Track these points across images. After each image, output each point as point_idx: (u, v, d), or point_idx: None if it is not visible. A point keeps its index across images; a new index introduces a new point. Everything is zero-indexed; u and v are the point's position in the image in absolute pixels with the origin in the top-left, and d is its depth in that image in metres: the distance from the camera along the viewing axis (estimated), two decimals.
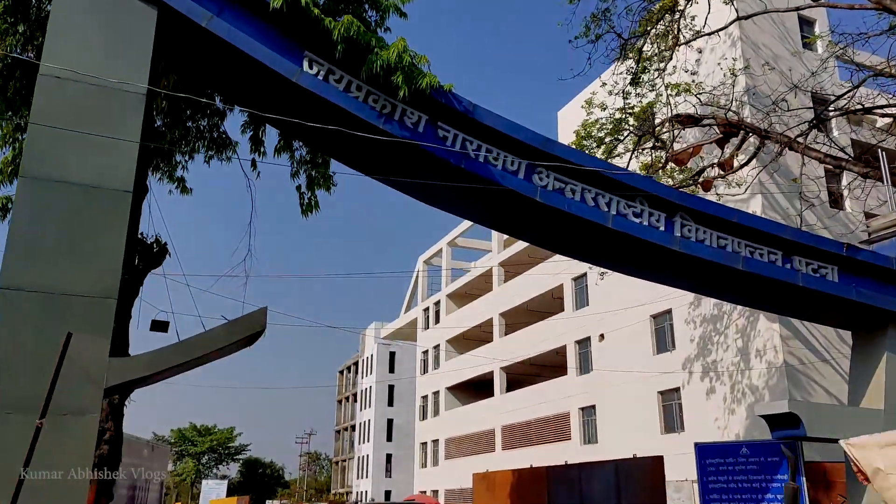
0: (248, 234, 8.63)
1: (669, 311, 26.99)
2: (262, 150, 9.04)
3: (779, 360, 21.43)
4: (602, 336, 30.59)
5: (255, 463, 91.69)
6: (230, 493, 66.55)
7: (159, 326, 8.03)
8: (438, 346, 47.32)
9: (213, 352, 6.81)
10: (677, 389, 26.01)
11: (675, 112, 18.25)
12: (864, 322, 10.79)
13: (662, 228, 9.46)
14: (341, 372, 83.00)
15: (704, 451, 11.42)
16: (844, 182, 22.30)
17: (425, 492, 44.74)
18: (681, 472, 21.25)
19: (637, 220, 9.33)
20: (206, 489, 62.30)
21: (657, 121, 18.90)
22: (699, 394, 24.51)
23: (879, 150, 12.98)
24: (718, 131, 17.72)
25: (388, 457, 67.68)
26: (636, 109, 18.63)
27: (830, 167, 15.64)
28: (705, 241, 9.68)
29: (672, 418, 26.14)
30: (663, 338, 27.37)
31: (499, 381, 39.27)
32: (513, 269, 40.12)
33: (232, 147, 10.46)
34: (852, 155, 18.90)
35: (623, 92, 17.97)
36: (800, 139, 16.09)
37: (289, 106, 7.97)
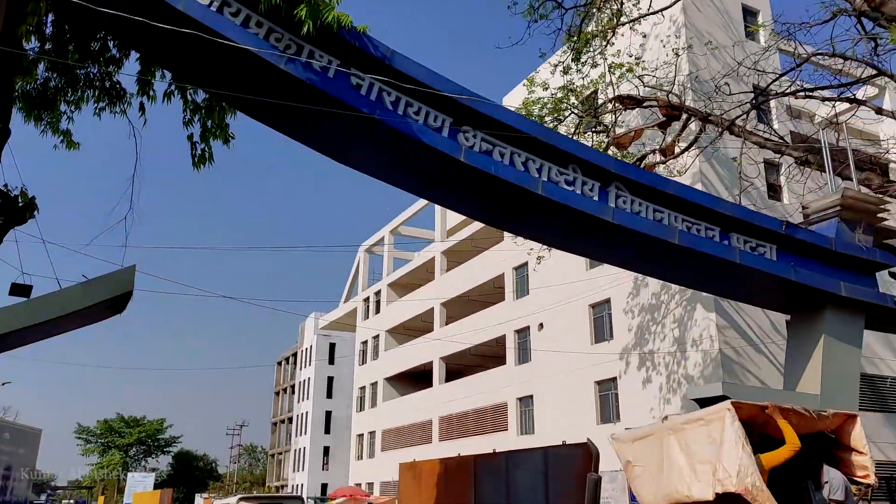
0: (131, 190, 7.54)
1: (608, 301, 26.73)
2: (150, 93, 7.97)
3: (714, 350, 21.30)
4: (541, 325, 30.19)
5: (187, 456, 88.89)
6: (159, 486, 64.18)
7: (20, 290, 6.89)
8: (378, 336, 46.34)
9: (70, 315, 5.78)
10: (614, 379, 25.76)
11: (617, 93, 17.77)
12: (802, 303, 10.40)
13: (596, 198, 8.81)
14: (279, 363, 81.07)
15: None
16: (783, 172, 22.33)
17: (360, 485, 43.77)
18: (616, 462, 20.91)
19: (569, 189, 8.65)
20: (131, 482, 59.80)
21: (599, 102, 18.39)
22: (635, 383, 24.29)
23: (821, 131, 12.68)
24: (660, 114, 17.30)
25: (326, 449, 66.43)
26: (578, 88, 18.08)
27: (770, 151, 15.38)
28: (641, 214, 9.07)
29: (608, 408, 25.88)
30: (602, 327, 27.10)
31: (438, 372, 38.59)
32: (455, 258, 39.47)
33: (128, 100, 9.32)
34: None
35: (564, 68, 17.37)
36: (739, 122, 15.78)
37: (177, 41, 6.95)
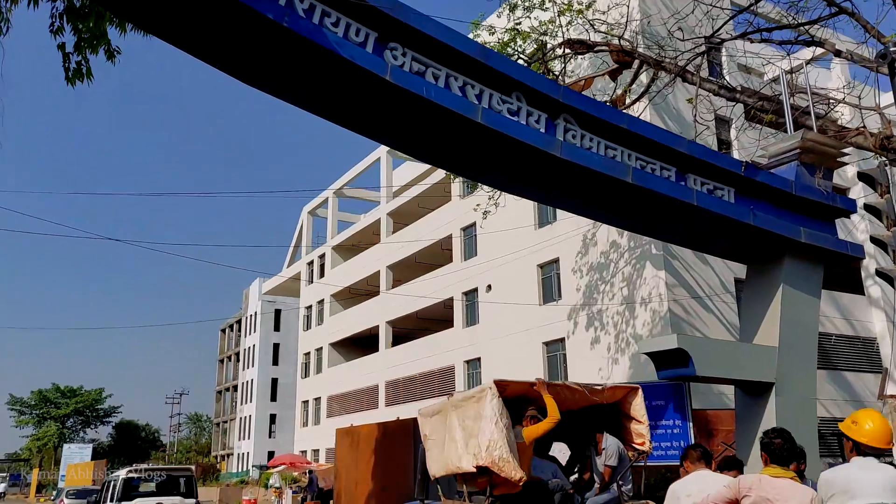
0: None
1: (557, 261, 26.10)
2: None
3: (663, 309, 20.90)
4: (489, 287, 29.48)
5: (128, 426, 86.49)
6: (99, 457, 62.18)
7: None
8: (322, 300, 45.10)
9: None
10: (562, 340, 25.28)
11: (567, 37, 16.78)
12: (760, 251, 9.73)
13: (543, 130, 7.84)
14: (223, 330, 78.98)
15: None
16: (734, 125, 21.84)
17: (305, 452, 42.91)
18: None
19: (513, 119, 7.65)
20: (67, 453, 57.74)
21: (548, 48, 17.38)
22: (584, 344, 23.83)
23: (780, 70, 11.98)
24: (612, 59, 16.42)
25: (273, 417, 65.34)
26: (527, 31, 17.02)
27: (724, 98, 14.68)
28: (592, 150, 8.15)
29: (556, 369, 25.43)
30: (550, 287, 26.52)
31: (384, 336, 37.69)
32: (402, 220, 38.36)
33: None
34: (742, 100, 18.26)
35: (511, 6, 16.27)
36: (692, 68, 15.01)
37: None
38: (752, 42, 14.58)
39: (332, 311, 43.83)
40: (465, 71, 7.43)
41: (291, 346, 68.47)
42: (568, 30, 17.52)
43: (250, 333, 69.56)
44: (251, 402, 64.72)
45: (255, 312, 68.79)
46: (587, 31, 17.16)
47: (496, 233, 28.79)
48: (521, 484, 6.34)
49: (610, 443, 7.41)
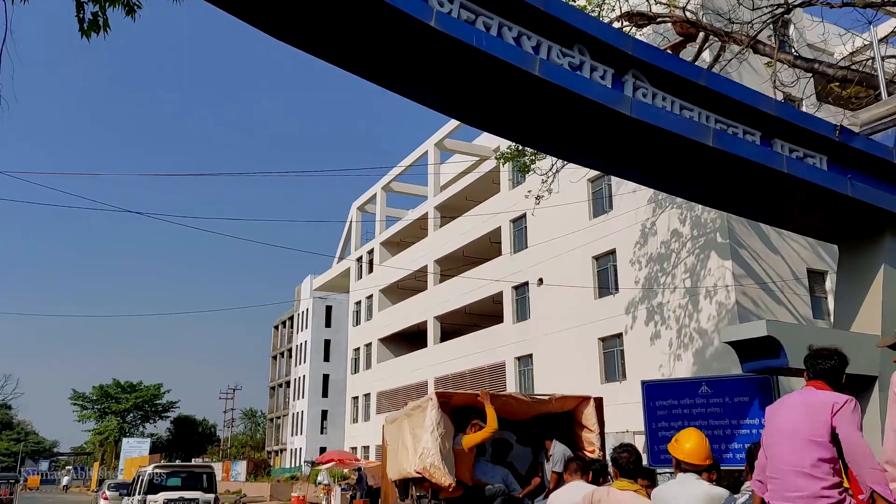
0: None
1: (613, 252, 24.93)
2: None
3: (730, 301, 19.56)
4: (541, 280, 28.45)
5: (185, 421, 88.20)
6: (156, 451, 63.45)
7: None
8: (371, 296, 44.72)
9: None
10: (619, 335, 24.12)
11: (625, 9, 15.70)
12: (856, 228, 8.56)
13: (609, 86, 6.89)
14: (276, 327, 79.78)
15: (653, 392, 9.13)
16: (804, 106, 20.32)
17: (355, 448, 42.62)
18: (621, 424, 19.33)
19: (575, 73, 6.72)
20: (126, 448, 59.17)
21: (607, 21, 16.29)
22: (643, 339, 22.62)
23: (872, 32, 10.70)
24: (675, 32, 15.26)
25: (324, 413, 65.53)
26: (583, 5, 16.00)
27: (802, 69, 13.39)
28: (665, 109, 7.17)
29: (613, 366, 24.28)
30: (606, 280, 25.36)
31: (432, 331, 37.00)
32: (449, 213, 37.60)
33: None
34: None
35: None
36: (764, 40, 13.76)
37: None
38: (831, 7, 13.24)
39: (381, 307, 43.40)
40: (519, 20, 6.54)
41: (342, 342, 68.60)
42: (627, 1, 16.43)
43: (302, 330, 69.99)
44: (303, 398, 65.06)
45: (307, 309, 69.16)
46: (647, 2, 16.04)
47: (548, 224, 27.78)
48: (451, 489, 6.79)
49: (557, 449, 7.71)
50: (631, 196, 23.86)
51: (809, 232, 9.31)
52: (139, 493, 16.75)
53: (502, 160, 17.70)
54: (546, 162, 18.94)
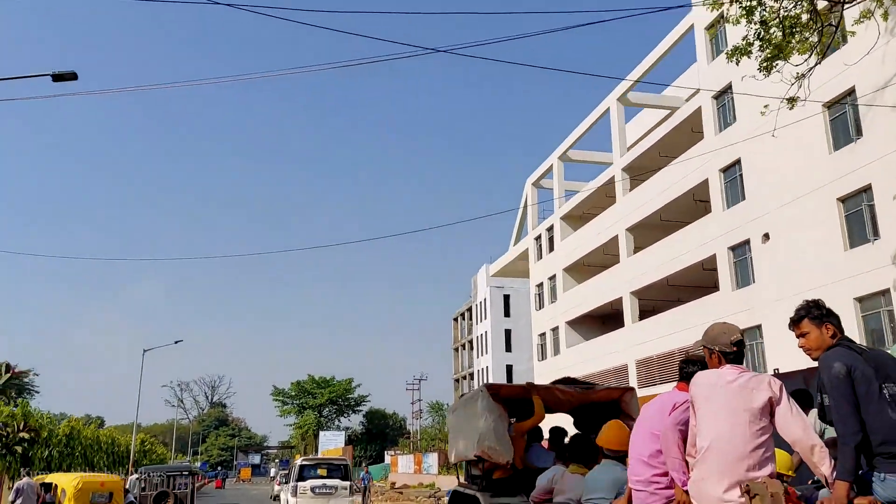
0: None
1: (867, 189, 19.73)
2: None
3: None
4: (766, 236, 23.62)
5: (376, 414, 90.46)
6: (349, 443, 65.02)
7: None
8: (554, 276, 41.47)
9: None
10: (884, 292, 18.95)
11: None
12: None
13: None
14: (455, 319, 79.12)
15: None
16: None
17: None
18: None
19: None
20: (323, 440, 61.13)
21: None
22: None
23: None
24: None
25: None
26: None
27: None
28: None
29: (881, 331, 19.14)
30: (859, 226, 20.18)
31: (629, 309, 32.99)
32: (640, 175, 33.35)
33: None
34: None
35: None
36: None
37: None
38: None
39: (566, 287, 40.00)
40: None
41: (523, 331, 66.15)
42: None
43: (481, 321, 68.51)
44: None
45: (485, 299, 67.53)
46: None
47: (770, 168, 22.98)
48: (509, 467, 7.51)
49: None
50: (889, 114, 18.64)
51: None
52: (293, 480, 20.79)
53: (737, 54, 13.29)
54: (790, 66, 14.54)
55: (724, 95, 26.73)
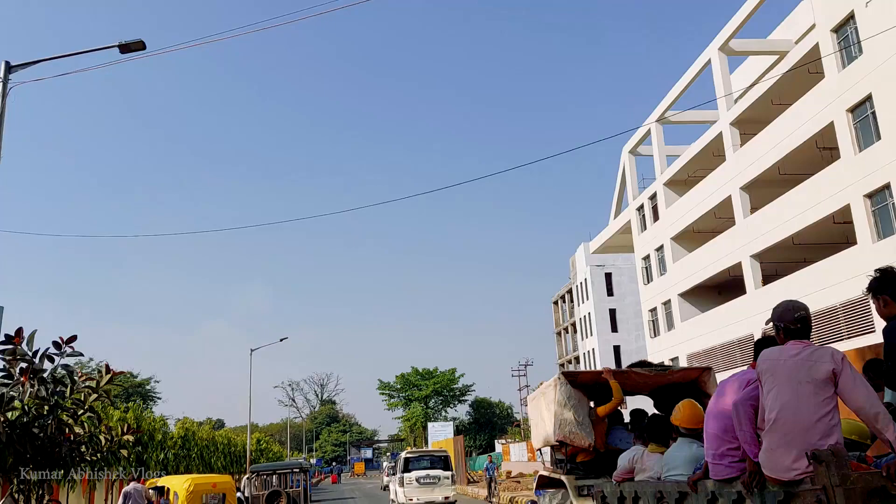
0: None
1: None
2: None
3: None
4: None
5: (482, 403, 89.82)
6: (458, 433, 64.60)
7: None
8: (662, 246, 38.99)
9: None
10: None
11: None
12: None
13: None
14: (555, 302, 77.08)
15: None
16: None
17: None
18: None
19: None
20: (432, 431, 60.90)
21: None
22: None
23: None
24: None
25: None
26: None
27: None
28: None
29: None
30: None
31: (751, 274, 30.31)
32: (750, 129, 30.54)
33: None
34: None
35: None
36: None
37: None
38: None
39: (676, 257, 37.48)
40: None
41: (627, 309, 63.53)
42: None
43: (583, 302, 66.31)
44: None
45: (585, 280, 65.28)
46: None
47: None
48: (591, 450, 7.88)
49: None
50: None
51: None
52: (399, 472, 22.36)
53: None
54: None
55: (844, 27, 23.79)
